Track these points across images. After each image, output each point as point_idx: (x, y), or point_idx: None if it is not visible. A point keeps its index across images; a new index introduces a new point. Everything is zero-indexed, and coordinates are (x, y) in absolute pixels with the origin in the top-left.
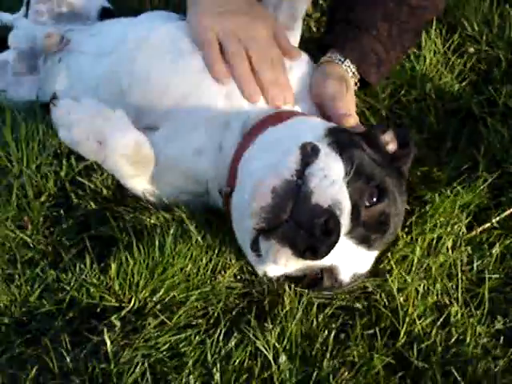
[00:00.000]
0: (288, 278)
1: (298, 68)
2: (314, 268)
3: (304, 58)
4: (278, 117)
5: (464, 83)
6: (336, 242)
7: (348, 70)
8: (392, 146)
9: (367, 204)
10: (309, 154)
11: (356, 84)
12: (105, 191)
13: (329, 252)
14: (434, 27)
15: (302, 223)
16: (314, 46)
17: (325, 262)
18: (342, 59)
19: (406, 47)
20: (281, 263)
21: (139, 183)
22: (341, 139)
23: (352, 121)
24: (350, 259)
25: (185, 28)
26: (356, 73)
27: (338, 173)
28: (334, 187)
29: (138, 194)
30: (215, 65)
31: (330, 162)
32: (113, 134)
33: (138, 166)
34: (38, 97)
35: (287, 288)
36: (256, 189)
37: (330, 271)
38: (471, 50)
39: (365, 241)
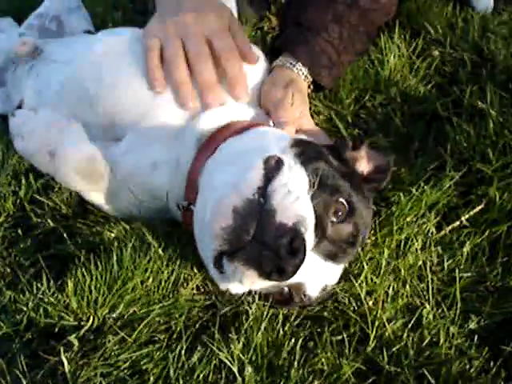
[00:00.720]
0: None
1: (254, 76)
2: (281, 285)
3: (261, 64)
4: (234, 127)
5: (429, 86)
6: (302, 261)
7: (300, 73)
8: (363, 164)
9: (334, 219)
10: (272, 168)
11: (309, 87)
12: (64, 209)
13: (296, 272)
14: (396, 32)
15: (266, 244)
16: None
17: (291, 279)
18: (294, 62)
19: (359, 50)
20: (246, 284)
21: (97, 196)
22: (306, 151)
23: (290, 129)
24: (317, 274)
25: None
26: (308, 76)
27: (302, 187)
28: (298, 203)
29: (99, 207)
30: (150, 73)
31: (293, 175)
32: (65, 147)
33: (90, 180)
34: (2, 110)
35: (251, 298)
36: (216, 209)
37: (298, 288)
38: (436, 52)
39: (332, 255)
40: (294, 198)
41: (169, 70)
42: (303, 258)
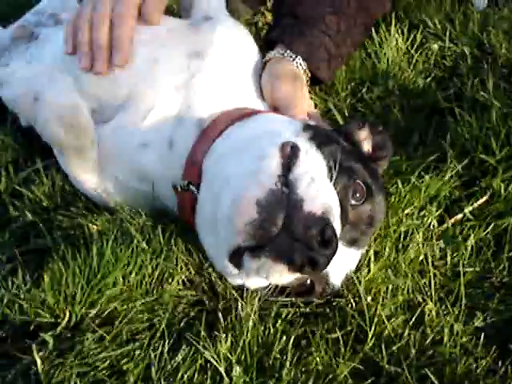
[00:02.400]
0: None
1: (243, 59)
2: (305, 277)
3: (255, 56)
4: (238, 112)
5: (428, 79)
6: (335, 251)
7: (299, 67)
8: (367, 145)
9: (354, 202)
10: (289, 155)
11: (307, 81)
12: (45, 201)
13: (329, 263)
14: (393, 25)
15: (296, 235)
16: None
17: None
18: (293, 56)
19: (356, 42)
20: (273, 279)
21: (82, 173)
22: (318, 134)
23: (301, 118)
24: (340, 261)
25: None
26: (307, 70)
27: (323, 172)
28: (324, 190)
29: (83, 189)
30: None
31: (312, 161)
32: (50, 92)
33: (72, 133)
34: None
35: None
36: (237, 203)
37: (322, 277)
38: (435, 46)
39: (354, 241)
40: (319, 186)
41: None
42: (336, 248)
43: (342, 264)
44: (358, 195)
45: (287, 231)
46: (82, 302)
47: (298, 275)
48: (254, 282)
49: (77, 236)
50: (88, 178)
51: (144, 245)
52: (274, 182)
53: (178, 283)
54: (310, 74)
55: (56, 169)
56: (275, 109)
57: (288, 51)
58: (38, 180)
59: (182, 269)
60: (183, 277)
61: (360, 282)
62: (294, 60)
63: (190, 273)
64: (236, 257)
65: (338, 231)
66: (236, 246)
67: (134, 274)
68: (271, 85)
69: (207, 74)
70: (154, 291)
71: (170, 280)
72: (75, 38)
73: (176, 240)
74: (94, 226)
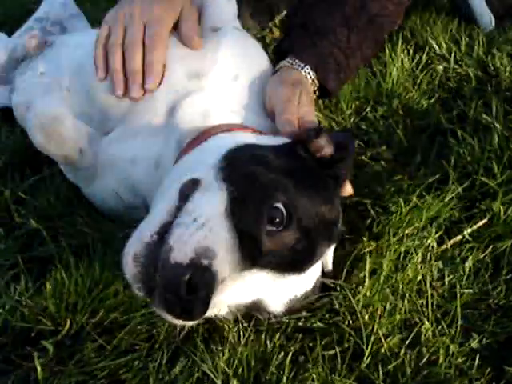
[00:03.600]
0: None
1: (247, 75)
2: (240, 307)
3: (264, 71)
4: (205, 135)
5: (432, 100)
6: (208, 295)
7: (307, 77)
8: (328, 150)
9: (272, 228)
10: (185, 195)
11: (315, 92)
12: (49, 210)
13: (204, 308)
14: (400, 46)
15: (167, 288)
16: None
17: (243, 299)
18: (302, 65)
19: (366, 56)
20: (177, 324)
21: (86, 187)
22: (238, 159)
23: (291, 129)
24: (273, 289)
25: None
26: (315, 80)
27: (214, 208)
28: (201, 232)
29: (88, 197)
30: (95, 61)
31: (205, 198)
32: (39, 102)
33: (52, 141)
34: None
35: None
36: (122, 258)
37: (257, 306)
38: (440, 67)
39: (284, 267)
40: (198, 227)
41: (107, 57)
42: (209, 292)
43: (277, 291)
44: (277, 220)
45: (160, 284)
46: (84, 311)
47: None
48: None
49: (80, 245)
50: (85, 185)
51: None
52: (150, 235)
53: None
54: (317, 85)
55: (61, 178)
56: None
57: (297, 60)
58: (43, 188)
59: None
60: None
61: (358, 300)
62: (302, 69)
63: None
64: None
65: (228, 268)
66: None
67: None
68: (271, 89)
69: (197, 94)
70: None
71: None
72: (107, 62)
73: None
74: (97, 236)
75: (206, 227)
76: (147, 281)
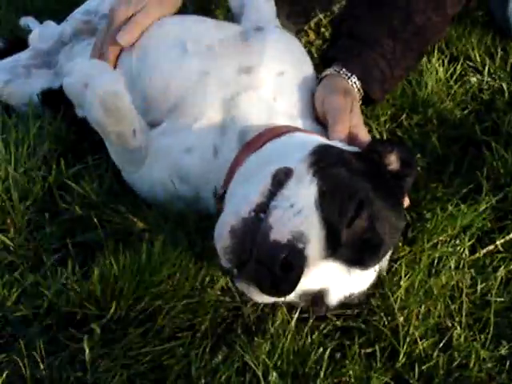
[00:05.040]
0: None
1: (293, 72)
2: (307, 294)
3: (309, 71)
4: (275, 131)
5: (466, 111)
6: (298, 277)
7: (354, 86)
8: (395, 165)
9: (349, 223)
10: (278, 182)
11: (360, 100)
12: (93, 197)
13: (293, 287)
14: (436, 56)
15: (263, 262)
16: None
17: (313, 286)
18: (349, 74)
19: (410, 66)
20: (257, 299)
21: (127, 164)
22: (326, 157)
23: (342, 137)
24: (340, 281)
25: (196, 26)
26: (360, 89)
27: (308, 198)
28: (298, 218)
29: (129, 180)
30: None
31: (300, 187)
32: (98, 80)
33: (111, 117)
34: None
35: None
36: (217, 229)
37: (320, 296)
38: (473, 79)
39: (355, 261)
40: (295, 213)
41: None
42: (299, 274)
43: (342, 284)
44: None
45: (256, 258)
46: (129, 297)
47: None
48: (258, 299)
49: (125, 233)
50: (132, 171)
51: (189, 249)
52: (249, 211)
53: (218, 289)
54: (363, 93)
55: (105, 167)
56: (323, 121)
57: (344, 69)
58: (87, 176)
59: (222, 275)
60: (223, 283)
61: (394, 302)
62: (348, 78)
63: (229, 281)
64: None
65: (316, 255)
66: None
67: (178, 275)
68: (323, 98)
69: (254, 91)
70: (196, 293)
71: (211, 285)
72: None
73: None
74: (140, 224)
75: (302, 214)
76: (240, 254)
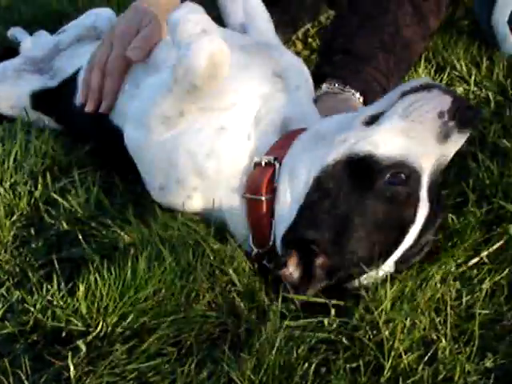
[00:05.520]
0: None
1: (305, 87)
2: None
3: (310, 79)
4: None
5: None
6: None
7: (358, 102)
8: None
9: None
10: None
11: None
12: (80, 212)
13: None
14: (422, 66)
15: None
16: None
17: None
18: (352, 91)
19: (402, 77)
20: (425, 109)
21: (159, 134)
22: None
23: None
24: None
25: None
26: (362, 102)
27: None
28: None
29: (144, 157)
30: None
31: None
32: (218, 35)
33: (209, 70)
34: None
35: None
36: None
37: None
38: (460, 89)
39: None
40: None
41: None
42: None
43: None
44: None
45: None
46: (114, 313)
47: (443, 122)
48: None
49: (111, 249)
50: (160, 132)
51: (174, 264)
52: None
53: (204, 304)
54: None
55: (92, 181)
56: None
57: (348, 87)
58: (73, 190)
59: (208, 290)
60: (209, 298)
61: (379, 315)
62: (353, 95)
63: (216, 295)
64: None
65: None
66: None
67: (163, 291)
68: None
69: (288, 95)
70: (182, 309)
71: (196, 300)
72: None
73: (202, 260)
74: (127, 238)
75: None
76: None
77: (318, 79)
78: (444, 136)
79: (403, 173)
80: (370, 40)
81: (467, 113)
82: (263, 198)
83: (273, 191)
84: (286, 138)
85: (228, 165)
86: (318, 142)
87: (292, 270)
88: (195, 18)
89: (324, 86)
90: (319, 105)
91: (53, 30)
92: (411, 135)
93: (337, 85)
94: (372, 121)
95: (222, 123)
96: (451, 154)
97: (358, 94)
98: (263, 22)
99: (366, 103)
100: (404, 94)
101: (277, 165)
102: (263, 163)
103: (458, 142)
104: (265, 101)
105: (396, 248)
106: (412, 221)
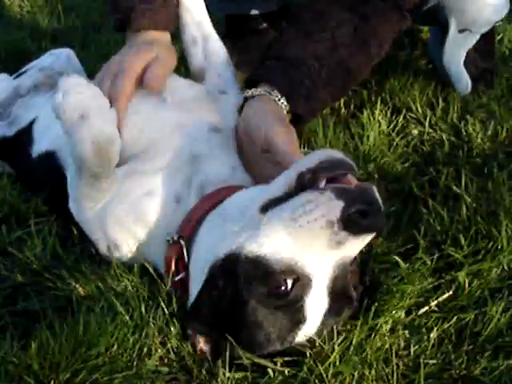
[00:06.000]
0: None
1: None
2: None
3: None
4: (231, 190)
5: (407, 164)
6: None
7: (283, 107)
8: None
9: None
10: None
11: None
12: (35, 264)
13: (379, 227)
14: (378, 108)
15: (366, 192)
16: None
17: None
18: (272, 91)
19: (335, 95)
20: (313, 217)
21: (88, 199)
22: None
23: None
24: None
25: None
26: (287, 106)
27: None
28: None
29: (80, 215)
30: None
31: None
32: (98, 118)
33: (98, 158)
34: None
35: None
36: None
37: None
38: (415, 131)
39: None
40: None
41: None
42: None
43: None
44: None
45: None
46: (67, 370)
47: (332, 231)
48: (272, 242)
49: (65, 302)
50: (90, 206)
51: (127, 318)
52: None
53: (156, 360)
54: (288, 110)
55: (48, 230)
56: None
57: (275, 91)
58: (29, 241)
59: (160, 345)
60: (161, 353)
61: (326, 369)
62: (279, 100)
63: (168, 350)
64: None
65: None
66: (310, 167)
67: (115, 347)
68: (265, 130)
69: (222, 150)
70: (134, 364)
71: (148, 356)
72: None
73: (155, 313)
74: (81, 290)
75: None
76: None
77: (250, 84)
78: (336, 243)
79: (289, 278)
80: (303, 48)
81: (360, 221)
82: (176, 279)
83: (186, 268)
84: (201, 202)
85: (157, 230)
86: (219, 226)
87: (202, 346)
88: (73, 102)
89: (259, 90)
90: (245, 109)
91: (15, 69)
92: (300, 241)
93: (268, 89)
94: (267, 207)
95: (150, 187)
96: (354, 254)
97: (283, 99)
98: (221, 64)
99: (290, 104)
100: (300, 177)
101: (182, 243)
102: (171, 241)
103: (356, 244)
104: (194, 160)
105: (293, 337)
106: (301, 321)
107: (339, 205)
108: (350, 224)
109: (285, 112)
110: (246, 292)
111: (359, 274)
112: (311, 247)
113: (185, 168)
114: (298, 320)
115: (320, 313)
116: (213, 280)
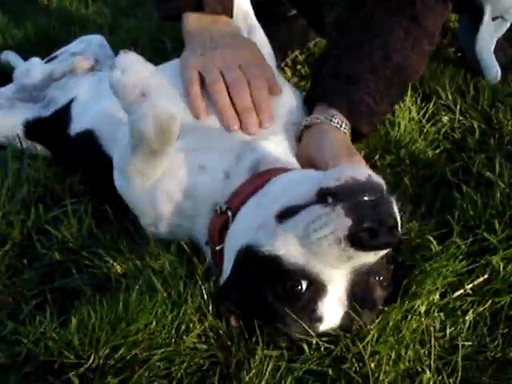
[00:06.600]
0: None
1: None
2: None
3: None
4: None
5: (438, 151)
6: (395, 243)
7: (345, 132)
8: None
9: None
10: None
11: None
12: (72, 242)
13: (384, 246)
14: (409, 95)
15: (379, 209)
16: None
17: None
18: (341, 122)
19: (393, 102)
20: (323, 234)
21: (139, 175)
22: None
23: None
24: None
25: None
26: (348, 125)
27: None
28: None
29: (127, 191)
30: (193, 102)
31: None
32: (159, 95)
33: (159, 135)
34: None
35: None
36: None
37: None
38: (445, 118)
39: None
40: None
41: (211, 95)
42: (395, 242)
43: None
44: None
45: (373, 202)
46: (106, 346)
47: (340, 247)
48: (287, 249)
49: (103, 280)
50: (141, 182)
51: (165, 296)
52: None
53: (194, 337)
54: (350, 130)
55: (84, 210)
56: None
57: (327, 111)
58: (66, 220)
59: (198, 322)
60: (199, 331)
61: (364, 348)
62: (341, 126)
63: (205, 328)
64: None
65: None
66: (324, 187)
67: (154, 324)
68: (336, 161)
69: (275, 135)
70: (173, 341)
71: (186, 333)
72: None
73: (193, 291)
74: (119, 268)
75: None
76: (355, 190)
77: (308, 104)
78: (346, 259)
79: (303, 281)
80: (358, 63)
81: (366, 240)
82: (216, 248)
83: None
84: (251, 180)
85: (204, 204)
86: (254, 210)
87: (234, 324)
88: (132, 79)
89: (311, 117)
90: (307, 139)
91: (45, 55)
92: (313, 254)
93: (323, 116)
94: (285, 216)
95: (203, 162)
96: (372, 261)
97: (344, 124)
98: (266, 56)
99: (352, 124)
100: (320, 193)
101: (229, 214)
102: (218, 211)
103: (370, 257)
104: (246, 144)
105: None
106: (313, 325)
107: (348, 223)
108: (357, 242)
109: (348, 136)
110: (264, 286)
111: (393, 266)
112: (323, 260)
113: (237, 147)
114: (309, 323)
115: (336, 317)
116: (239, 265)
